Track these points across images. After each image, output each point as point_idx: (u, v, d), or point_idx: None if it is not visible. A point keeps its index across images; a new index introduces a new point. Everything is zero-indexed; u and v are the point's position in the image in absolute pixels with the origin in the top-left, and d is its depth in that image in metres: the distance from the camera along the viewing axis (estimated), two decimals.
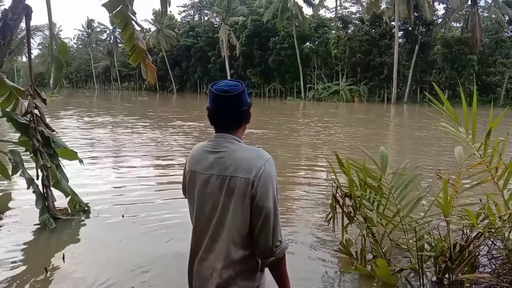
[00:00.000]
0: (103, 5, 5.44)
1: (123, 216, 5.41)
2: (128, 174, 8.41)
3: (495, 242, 3.90)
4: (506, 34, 42.94)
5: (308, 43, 53.75)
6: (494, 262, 3.90)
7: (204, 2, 73.90)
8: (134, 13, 5.31)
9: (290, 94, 54.09)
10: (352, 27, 50.27)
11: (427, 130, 17.97)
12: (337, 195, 4.09)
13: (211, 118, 1.88)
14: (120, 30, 5.73)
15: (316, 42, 53.50)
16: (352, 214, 4.05)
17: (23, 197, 6.04)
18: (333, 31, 52.10)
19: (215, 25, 64.03)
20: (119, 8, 5.41)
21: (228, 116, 1.85)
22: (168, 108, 34.69)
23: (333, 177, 4.17)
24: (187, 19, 78.08)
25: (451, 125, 4.02)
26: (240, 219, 1.75)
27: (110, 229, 5.10)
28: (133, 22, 5.55)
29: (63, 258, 4.15)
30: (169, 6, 5.49)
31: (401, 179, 3.98)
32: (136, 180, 7.77)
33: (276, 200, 1.74)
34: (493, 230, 3.37)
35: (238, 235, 1.76)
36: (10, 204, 6.10)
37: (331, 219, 4.15)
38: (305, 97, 50.43)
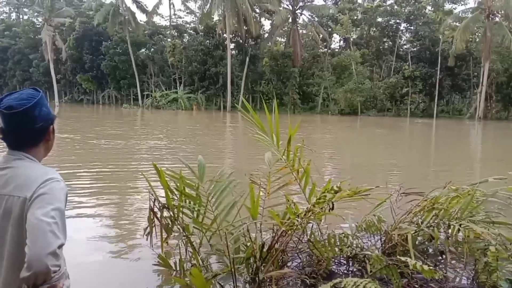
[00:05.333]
0: None
1: None
2: None
3: (301, 238, 4.34)
4: (321, 50, 49.25)
5: (143, 50, 52.54)
6: (301, 256, 4.34)
7: (23, 0, 65.65)
8: None
9: (127, 101, 51.98)
10: (187, 36, 51.07)
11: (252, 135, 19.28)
12: (155, 207, 4.01)
13: (1, 137, 1.63)
14: None
15: (152, 49, 52.68)
16: (170, 226, 4.01)
17: None
18: (168, 39, 52.06)
19: (37, 26, 57.54)
20: None
21: (17, 134, 1.62)
22: None
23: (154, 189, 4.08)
24: (1, 17, 68.24)
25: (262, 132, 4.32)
26: (19, 246, 1.53)
27: None
28: None
29: None
30: None
31: (217, 186, 4.11)
32: None
33: (56, 219, 1.47)
34: (294, 227, 3.72)
35: (19, 263, 1.53)
36: None
37: (150, 233, 4.05)
38: (143, 105, 49.09)
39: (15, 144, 1.65)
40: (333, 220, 5.52)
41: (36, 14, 59.33)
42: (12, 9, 69.92)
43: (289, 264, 4.19)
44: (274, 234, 3.89)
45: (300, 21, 48.12)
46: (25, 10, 66.93)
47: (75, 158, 11.71)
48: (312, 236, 4.17)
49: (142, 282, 4.08)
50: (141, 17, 51.96)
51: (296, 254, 4.33)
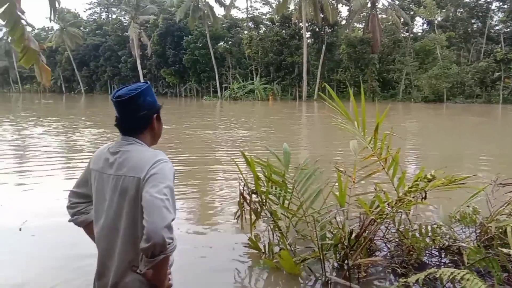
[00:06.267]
0: None
1: (20, 230, 5.00)
2: (26, 184, 7.78)
3: (388, 227, 4.27)
4: (402, 34, 46.90)
5: (222, 43, 53.96)
6: (389, 245, 4.27)
7: (112, 0, 70.60)
8: (22, 12, 4.93)
9: (207, 93, 53.93)
10: (264, 28, 51.47)
11: (333, 125, 19.07)
12: (244, 192, 4.19)
13: (115, 124, 1.88)
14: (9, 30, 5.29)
15: (230, 42, 53.92)
16: (258, 210, 4.17)
17: None
18: (245, 31, 52.89)
19: (124, 24, 61.59)
20: (5, 6, 4.98)
21: (126, 121, 1.85)
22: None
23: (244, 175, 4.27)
24: (93, 17, 74.08)
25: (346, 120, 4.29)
26: (134, 221, 1.73)
27: (8, 245, 4.69)
28: (23, 21, 5.16)
29: None
30: (58, 6, 5.18)
31: (303, 173, 4.18)
32: (36, 190, 7.22)
33: (168, 196, 1.64)
34: (383, 216, 3.68)
35: (133, 237, 1.74)
36: None
37: (240, 216, 4.24)
38: (221, 96, 50.60)
39: (125, 130, 1.86)
40: (421, 211, 5.36)
41: (123, 13, 63.53)
42: (102, 9, 75.58)
43: (377, 253, 4.15)
44: (361, 222, 3.88)
45: (380, 5, 46.22)
46: (114, 9, 72.02)
47: (172, 145, 12.43)
48: (402, 225, 4.08)
49: (231, 263, 4.28)
50: (219, 11, 53.39)
51: (384, 244, 4.28)
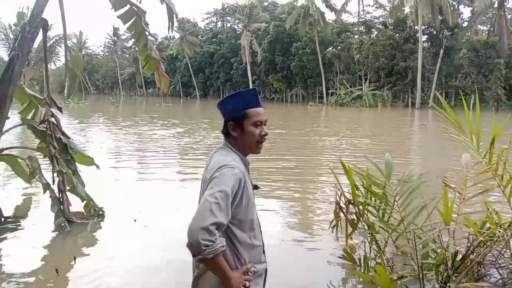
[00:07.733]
0: (119, 17, 5.66)
1: (135, 221, 5.56)
2: (146, 180, 8.61)
3: (502, 252, 3.85)
4: None
5: (330, 48, 53.45)
6: (501, 272, 3.85)
7: (227, 9, 74.58)
8: (146, 24, 5.50)
9: (312, 99, 53.87)
10: (376, 32, 49.80)
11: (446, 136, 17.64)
12: (341, 202, 4.12)
13: None
14: (135, 40, 5.94)
15: (339, 47, 53.17)
16: (355, 222, 4.07)
17: (42, 201, 6.27)
18: (356, 36, 51.71)
19: (238, 32, 64.49)
20: (133, 19, 5.61)
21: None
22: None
23: (341, 184, 4.20)
24: (210, 26, 78.96)
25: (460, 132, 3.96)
26: None
27: (123, 233, 5.25)
28: (147, 33, 5.74)
29: (74, 260, 4.32)
30: (176, 19, 5.66)
31: (406, 186, 3.96)
32: (154, 186, 7.94)
33: (218, 200, 1.65)
34: (495, 239, 3.33)
35: None
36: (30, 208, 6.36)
37: (335, 226, 4.18)
38: (327, 102, 50.12)
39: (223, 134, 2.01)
40: None
41: (237, 21, 66.58)
42: (218, 18, 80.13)
43: (485, 278, 3.76)
44: (469, 243, 3.56)
45: (509, 5, 41.60)
46: (228, 18, 75.83)
47: (275, 150, 12.70)
48: None
49: (325, 272, 4.23)
50: (329, 16, 52.99)
51: (495, 269, 3.86)
